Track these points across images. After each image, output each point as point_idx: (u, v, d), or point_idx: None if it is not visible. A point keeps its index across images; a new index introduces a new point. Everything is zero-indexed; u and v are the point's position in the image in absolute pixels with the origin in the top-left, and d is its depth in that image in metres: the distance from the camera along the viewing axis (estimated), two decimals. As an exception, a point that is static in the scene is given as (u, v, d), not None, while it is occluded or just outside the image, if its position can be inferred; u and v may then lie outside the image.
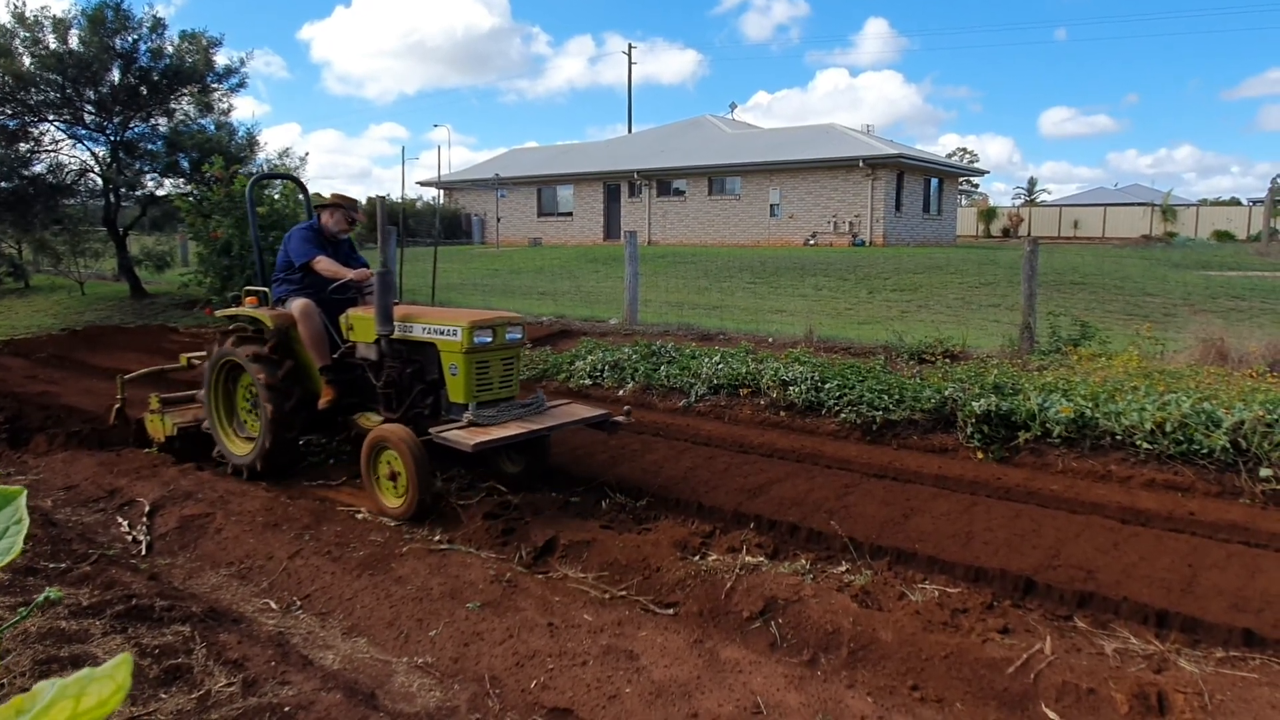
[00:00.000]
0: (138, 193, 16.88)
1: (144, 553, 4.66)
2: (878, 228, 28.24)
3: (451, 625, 3.65)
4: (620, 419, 5.34)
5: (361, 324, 5.40)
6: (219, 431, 5.93)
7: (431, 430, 4.78)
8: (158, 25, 15.58)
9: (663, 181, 33.43)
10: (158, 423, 6.26)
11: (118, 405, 6.69)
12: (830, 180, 29.11)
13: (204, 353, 6.47)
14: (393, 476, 4.89)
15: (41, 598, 1.03)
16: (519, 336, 5.19)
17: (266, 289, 5.85)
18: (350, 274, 5.58)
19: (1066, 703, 3.00)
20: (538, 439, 5.12)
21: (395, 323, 5.15)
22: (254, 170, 15.11)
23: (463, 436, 4.61)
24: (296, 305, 5.53)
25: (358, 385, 5.60)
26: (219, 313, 6.17)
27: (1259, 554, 4.19)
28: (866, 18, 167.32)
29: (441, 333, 4.99)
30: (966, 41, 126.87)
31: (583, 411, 5.28)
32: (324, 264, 5.60)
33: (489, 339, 4.94)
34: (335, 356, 5.56)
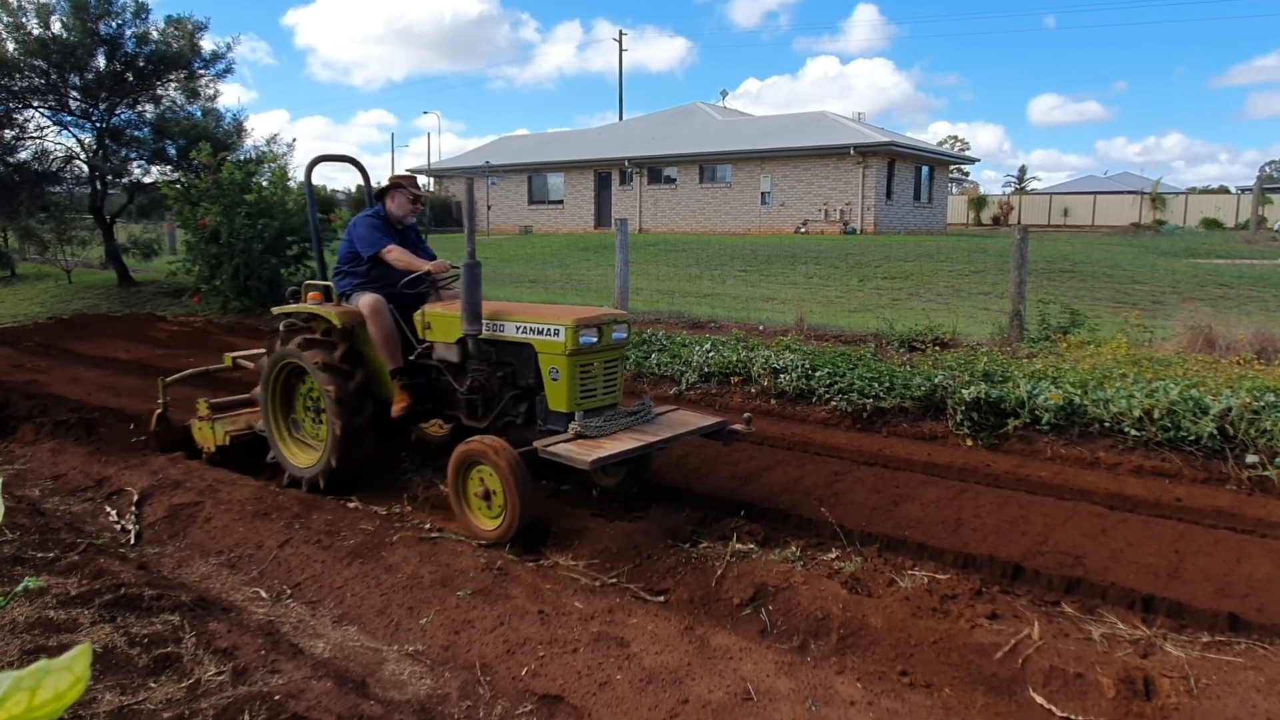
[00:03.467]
0: (124, 180, 16.73)
1: (133, 542, 4.64)
2: (869, 216, 28.25)
3: (442, 613, 3.65)
4: (738, 428, 4.73)
5: (441, 322, 4.89)
6: (277, 441, 5.42)
7: (537, 444, 4.26)
8: (141, 10, 15.41)
9: (654, 169, 33.34)
10: (207, 430, 5.73)
11: (159, 410, 6.13)
12: (821, 168, 29.09)
13: (250, 352, 6.14)
14: (486, 495, 4.34)
15: (20, 587, 1.02)
16: (624, 336, 4.69)
17: (329, 283, 5.31)
18: (426, 265, 5.03)
19: (1054, 687, 3.02)
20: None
21: (484, 320, 4.64)
22: (243, 157, 14.99)
23: (574, 452, 4.08)
24: (365, 301, 5.00)
25: (432, 390, 5.11)
26: (275, 310, 5.60)
27: (1245, 539, 4.22)
28: (856, 4, 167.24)
29: (540, 332, 4.47)
30: (956, 29, 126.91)
31: (696, 420, 4.76)
32: (396, 254, 5.05)
33: (594, 339, 4.44)
34: (410, 358, 5.06)
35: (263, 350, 5.75)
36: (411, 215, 5.39)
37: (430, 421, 5.02)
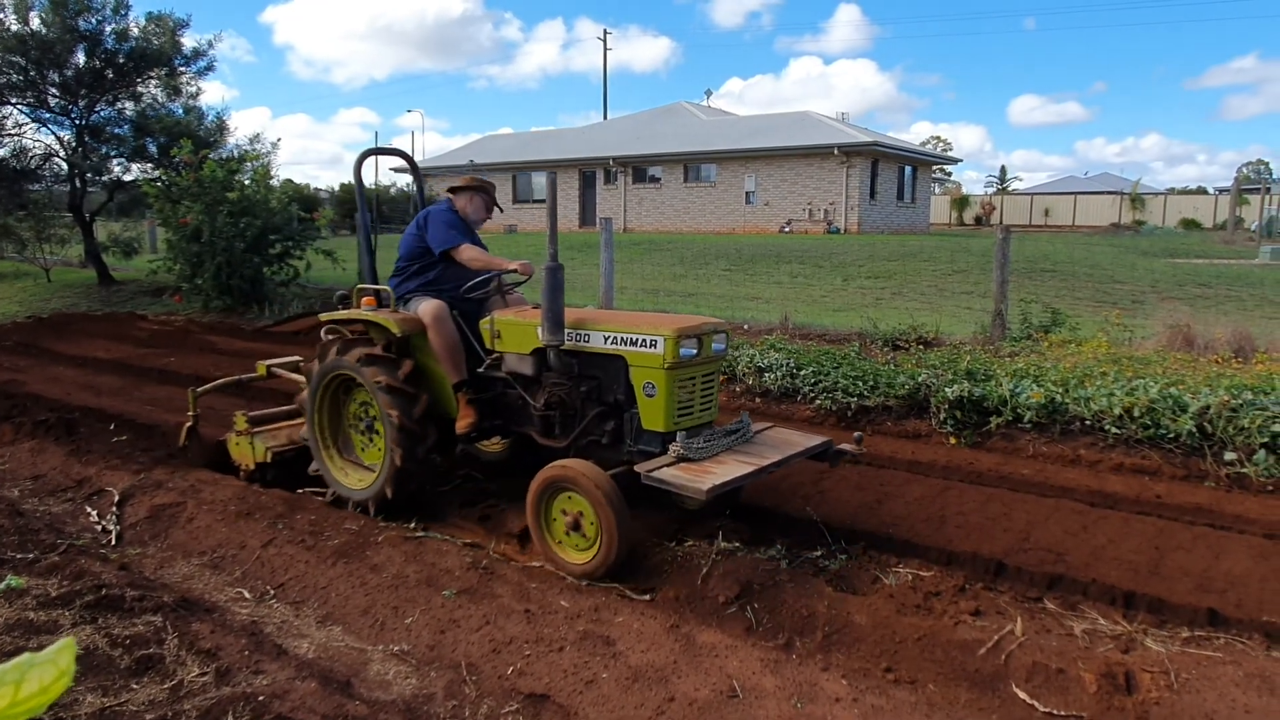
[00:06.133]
0: (104, 178, 16.57)
1: (114, 542, 4.59)
2: (852, 215, 28.37)
3: (428, 612, 3.64)
4: (847, 448, 4.37)
5: (513, 331, 4.48)
6: (325, 459, 5.02)
7: (639, 468, 3.85)
8: (121, 6, 15.26)
9: (638, 168, 33.34)
10: (246, 446, 5.32)
11: (189, 423, 5.72)
12: (805, 168, 29.18)
13: (286, 360, 5.80)
14: (575, 526, 3.95)
15: (2, 585, 1.01)
16: (723, 348, 4.31)
17: (384, 287, 4.92)
18: (513, 265, 4.58)
19: (1036, 683, 3.05)
20: None
21: (566, 329, 4.26)
22: (225, 155, 14.87)
23: (684, 479, 3.67)
24: (426, 309, 4.60)
25: (500, 404, 4.70)
26: (323, 316, 5.22)
27: (1223, 536, 4.27)
28: (838, 4, 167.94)
29: (634, 343, 4.06)
30: (938, 30, 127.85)
31: (801, 440, 4.37)
32: (472, 253, 4.66)
33: (694, 351, 4.04)
34: (478, 370, 4.65)
35: (298, 358, 5.45)
36: (483, 221, 5.08)
37: (494, 438, 4.66)
